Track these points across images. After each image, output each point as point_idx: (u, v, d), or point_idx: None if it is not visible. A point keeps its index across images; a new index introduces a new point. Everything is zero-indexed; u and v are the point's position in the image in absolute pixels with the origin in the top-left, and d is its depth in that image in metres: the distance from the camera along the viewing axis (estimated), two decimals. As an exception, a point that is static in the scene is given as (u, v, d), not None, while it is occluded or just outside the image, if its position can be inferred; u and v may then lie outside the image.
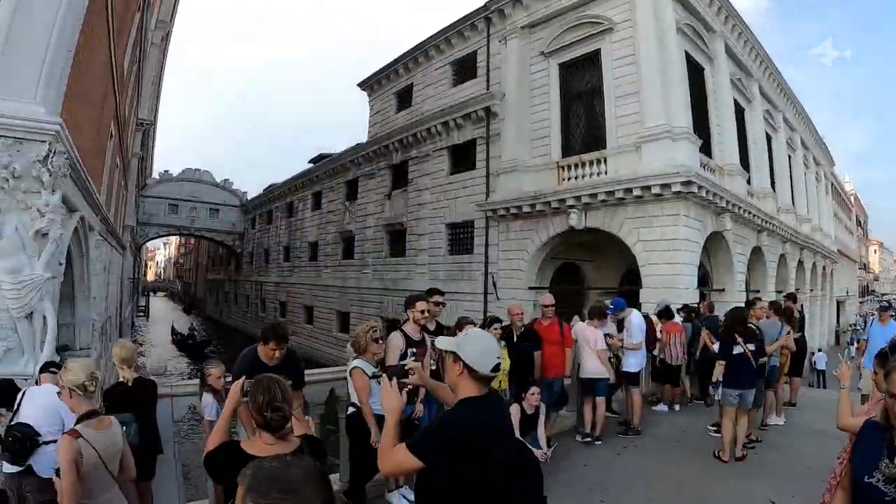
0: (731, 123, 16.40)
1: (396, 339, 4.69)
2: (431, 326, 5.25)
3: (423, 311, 4.81)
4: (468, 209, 18.52)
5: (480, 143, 18.40)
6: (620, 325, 7.57)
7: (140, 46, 15.05)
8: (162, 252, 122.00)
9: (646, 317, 8.05)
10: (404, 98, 23.91)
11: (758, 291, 17.81)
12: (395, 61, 23.76)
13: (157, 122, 31.04)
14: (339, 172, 27.50)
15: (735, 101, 17.31)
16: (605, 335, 6.84)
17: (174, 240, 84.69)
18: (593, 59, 15.31)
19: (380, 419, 4.35)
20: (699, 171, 13.08)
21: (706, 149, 14.90)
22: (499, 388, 5.76)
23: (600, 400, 6.60)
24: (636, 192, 13.19)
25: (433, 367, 5.12)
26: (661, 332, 8.88)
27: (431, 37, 21.31)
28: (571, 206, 14.70)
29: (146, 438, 4.01)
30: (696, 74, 15.47)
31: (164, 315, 51.70)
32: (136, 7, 12.13)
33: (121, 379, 4.16)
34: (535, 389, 5.52)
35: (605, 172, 14.31)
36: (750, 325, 6.22)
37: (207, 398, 4.26)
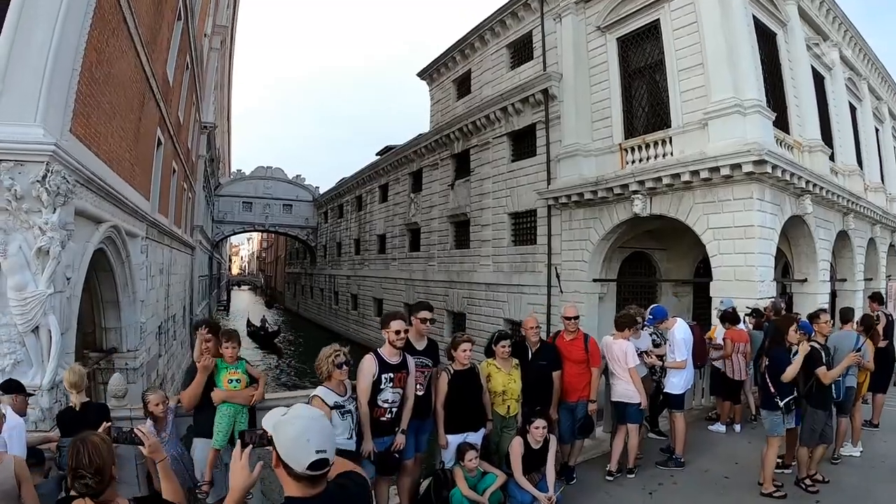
0: (810, 94, 14.46)
1: (368, 364, 4.16)
2: (420, 346, 4.68)
3: (398, 332, 4.21)
4: (530, 197, 17.65)
5: (540, 128, 17.42)
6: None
7: (190, 53, 15.33)
8: (246, 247, 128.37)
9: (692, 326, 6.96)
10: (463, 85, 23.27)
11: (844, 280, 15.90)
12: (452, 48, 23.11)
13: (229, 124, 32.29)
14: (403, 164, 27.37)
15: (813, 69, 15.25)
16: (641, 353, 5.93)
17: (256, 235, 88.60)
18: (653, 30, 13.96)
19: (344, 454, 3.85)
20: (774, 148, 11.54)
21: (782, 123, 13.22)
22: (507, 415, 5.11)
23: (633, 427, 5.69)
24: (703, 174, 11.87)
25: (420, 393, 4.56)
26: (723, 340, 7.83)
27: (486, 20, 20.49)
28: (635, 192, 13.55)
29: None
30: (767, 42, 13.75)
31: (246, 308, 53.31)
32: (175, 16, 12.24)
33: (70, 403, 4.19)
34: (540, 423, 4.72)
35: (671, 153, 13.05)
36: (813, 343, 5.16)
37: (147, 425, 4.05)
